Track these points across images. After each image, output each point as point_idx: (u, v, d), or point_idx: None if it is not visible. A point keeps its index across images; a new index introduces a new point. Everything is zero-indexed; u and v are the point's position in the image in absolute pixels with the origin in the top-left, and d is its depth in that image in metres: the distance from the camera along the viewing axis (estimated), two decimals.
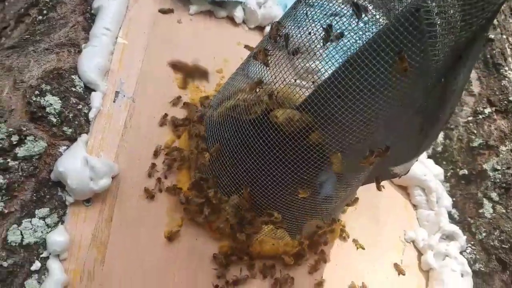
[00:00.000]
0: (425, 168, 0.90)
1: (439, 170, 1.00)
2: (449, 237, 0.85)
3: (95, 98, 0.75)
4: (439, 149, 1.06)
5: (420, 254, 0.85)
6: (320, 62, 0.66)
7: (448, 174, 1.02)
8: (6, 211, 0.65)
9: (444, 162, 1.04)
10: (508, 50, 1.19)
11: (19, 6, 0.95)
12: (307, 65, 0.68)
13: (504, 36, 1.21)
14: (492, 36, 1.16)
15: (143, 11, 0.88)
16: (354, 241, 0.78)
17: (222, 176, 0.71)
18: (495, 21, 1.19)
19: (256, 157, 0.66)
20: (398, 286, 0.79)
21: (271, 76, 0.68)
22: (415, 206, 0.91)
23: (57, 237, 0.65)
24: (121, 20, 0.84)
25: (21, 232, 0.65)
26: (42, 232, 0.66)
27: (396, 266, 0.79)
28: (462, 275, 0.80)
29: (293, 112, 0.72)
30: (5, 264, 0.63)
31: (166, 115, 0.77)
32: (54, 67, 0.75)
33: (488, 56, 1.14)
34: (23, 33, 0.85)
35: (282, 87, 0.70)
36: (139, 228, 0.69)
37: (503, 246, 0.85)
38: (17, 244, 0.64)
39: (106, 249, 0.67)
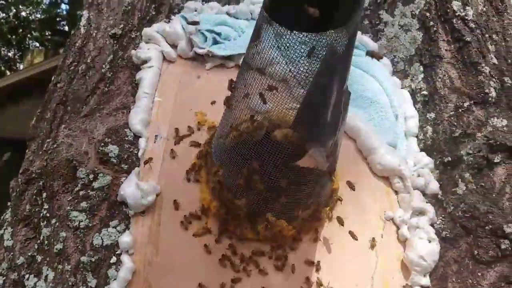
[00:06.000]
0: (399, 159, 1.11)
1: (429, 160, 1.20)
2: (421, 213, 1.04)
3: (141, 142, 1.08)
4: (429, 142, 1.26)
5: (398, 228, 1.06)
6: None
7: (437, 163, 1.21)
8: (90, 224, 0.99)
9: (434, 153, 1.23)
10: (490, 47, 1.36)
11: (93, 79, 1.32)
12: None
13: (487, 35, 1.38)
14: (468, 39, 1.34)
15: (171, 75, 1.21)
16: (338, 218, 1.01)
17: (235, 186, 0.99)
18: (472, 25, 1.37)
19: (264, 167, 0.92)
20: (381, 255, 1.01)
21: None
22: (396, 192, 1.12)
23: (125, 239, 0.97)
24: (156, 84, 1.18)
25: (101, 238, 0.98)
26: (115, 236, 0.98)
27: (372, 241, 1.02)
28: (429, 241, 0.99)
29: (288, 131, 0.99)
30: (93, 259, 0.96)
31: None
32: (113, 125, 1.10)
33: (466, 57, 1.32)
34: (93, 104, 1.21)
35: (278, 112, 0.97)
36: (179, 227, 1.00)
37: (466, 215, 1.03)
38: (99, 246, 0.97)
39: (158, 244, 0.98)
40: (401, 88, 1.38)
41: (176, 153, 1.08)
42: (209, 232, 0.99)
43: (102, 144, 1.05)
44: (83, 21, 1.50)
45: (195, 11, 1.30)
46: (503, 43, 1.40)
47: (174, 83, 1.20)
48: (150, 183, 1.01)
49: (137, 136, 1.09)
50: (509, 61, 1.36)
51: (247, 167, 0.92)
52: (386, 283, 1.00)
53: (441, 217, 1.07)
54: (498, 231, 1.00)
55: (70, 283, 0.95)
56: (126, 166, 1.05)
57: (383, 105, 1.24)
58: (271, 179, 0.91)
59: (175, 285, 0.95)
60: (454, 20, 1.38)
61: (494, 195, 1.05)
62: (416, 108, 1.33)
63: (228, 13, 1.33)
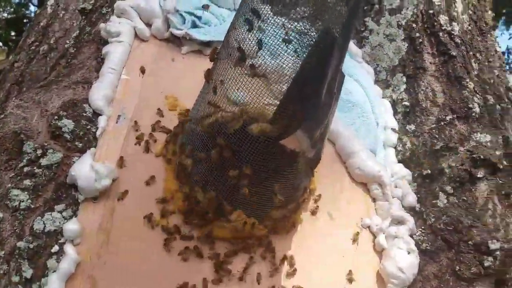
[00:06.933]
0: (379, 166, 1.05)
1: (407, 172, 1.14)
2: (400, 222, 0.97)
3: (101, 120, 0.96)
4: (408, 154, 1.20)
5: (374, 237, 0.98)
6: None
7: (415, 175, 1.15)
8: (33, 206, 0.86)
9: (412, 165, 1.17)
10: (474, 64, 1.33)
11: (54, 59, 1.20)
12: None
13: (471, 53, 1.35)
14: (454, 53, 1.31)
15: (142, 53, 1.10)
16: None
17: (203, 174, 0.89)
18: (458, 40, 1.34)
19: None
20: (356, 264, 0.93)
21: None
22: (373, 199, 1.04)
23: (71, 227, 0.84)
24: (124, 61, 1.07)
25: (43, 222, 0.85)
26: (60, 222, 0.85)
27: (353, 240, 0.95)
28: (408, 253, 0.92)
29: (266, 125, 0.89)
30: (31, 246, 0.82)
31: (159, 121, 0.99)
32: (70, 98, 0.97)
33: (450, 71, 1.28)
34: (51, 78, 1.09)
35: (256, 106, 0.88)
36: (136, 217, 0.88)
37: (448, 228, 0.97)
38: (40, 231, 0.84)
39: (110, 233, 0.86)
40: (382, 98, 1.33)
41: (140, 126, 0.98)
42: (173, 229, 0.88)
43: (56, 117, 0.93)
44: (51, 1, 1.38)
45: None
46: (486, 63, 1.38)
47: (145, 62, 1.09)
48: (107, 165, 0.89)
49: (96, 114, 0.97)
50: (492, 81, 1.34)
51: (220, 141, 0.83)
52: None
53: (420, 229, 1.00)
54: (482, 247, 0.93)
55: (1, 271, 0.81)
56: (81, 144, 0.92)
57: (365, 110, 1.18)
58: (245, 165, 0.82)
59: (126, 283, 0.83)
60: (441, 33, 1.35)
61: (477, 210, 0.99)
62: (396, 119, 1.28)
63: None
